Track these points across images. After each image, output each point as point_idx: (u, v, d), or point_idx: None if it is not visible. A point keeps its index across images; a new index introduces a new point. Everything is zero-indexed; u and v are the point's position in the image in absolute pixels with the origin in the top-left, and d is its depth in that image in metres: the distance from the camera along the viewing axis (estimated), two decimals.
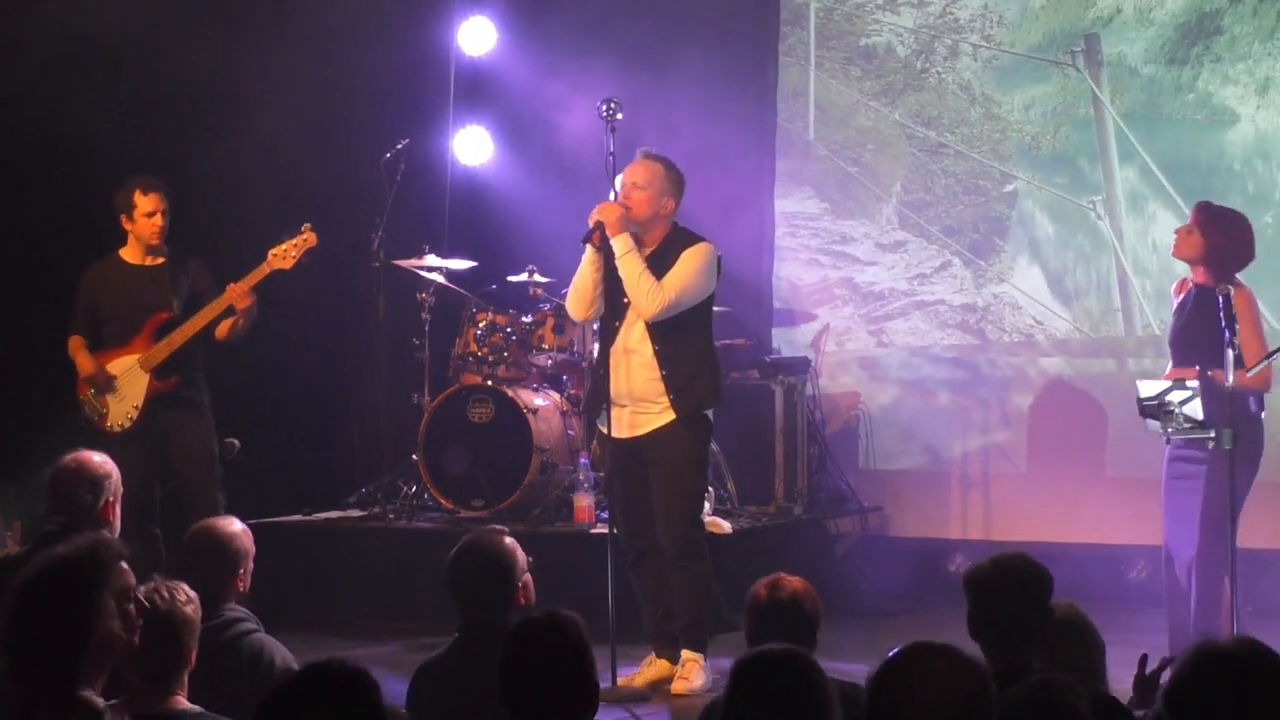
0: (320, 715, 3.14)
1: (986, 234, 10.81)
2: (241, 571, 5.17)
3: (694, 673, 7.27)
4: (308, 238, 8.26)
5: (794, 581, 4.76)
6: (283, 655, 4.97)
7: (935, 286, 10.89)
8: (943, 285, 10.87)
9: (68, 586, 3.77)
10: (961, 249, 10.82)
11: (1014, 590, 4.44)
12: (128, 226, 8.26)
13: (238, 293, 8.07)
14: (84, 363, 8.25)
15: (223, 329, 8.20)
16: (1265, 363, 7.03)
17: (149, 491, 8.17)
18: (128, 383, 8.22)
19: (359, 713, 3.15)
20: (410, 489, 9.41)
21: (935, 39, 11.05)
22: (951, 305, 10.88)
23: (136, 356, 8.21)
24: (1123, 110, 10.50)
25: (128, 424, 8.22)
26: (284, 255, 8.21)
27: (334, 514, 9.49)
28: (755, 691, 3.35)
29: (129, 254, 8.32)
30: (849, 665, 5.24)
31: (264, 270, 8.18)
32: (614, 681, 7.13)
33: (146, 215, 8.21)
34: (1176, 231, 7.49)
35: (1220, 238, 7.28)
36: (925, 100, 11.13)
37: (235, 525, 5.29)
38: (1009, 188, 10.82)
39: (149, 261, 8.30)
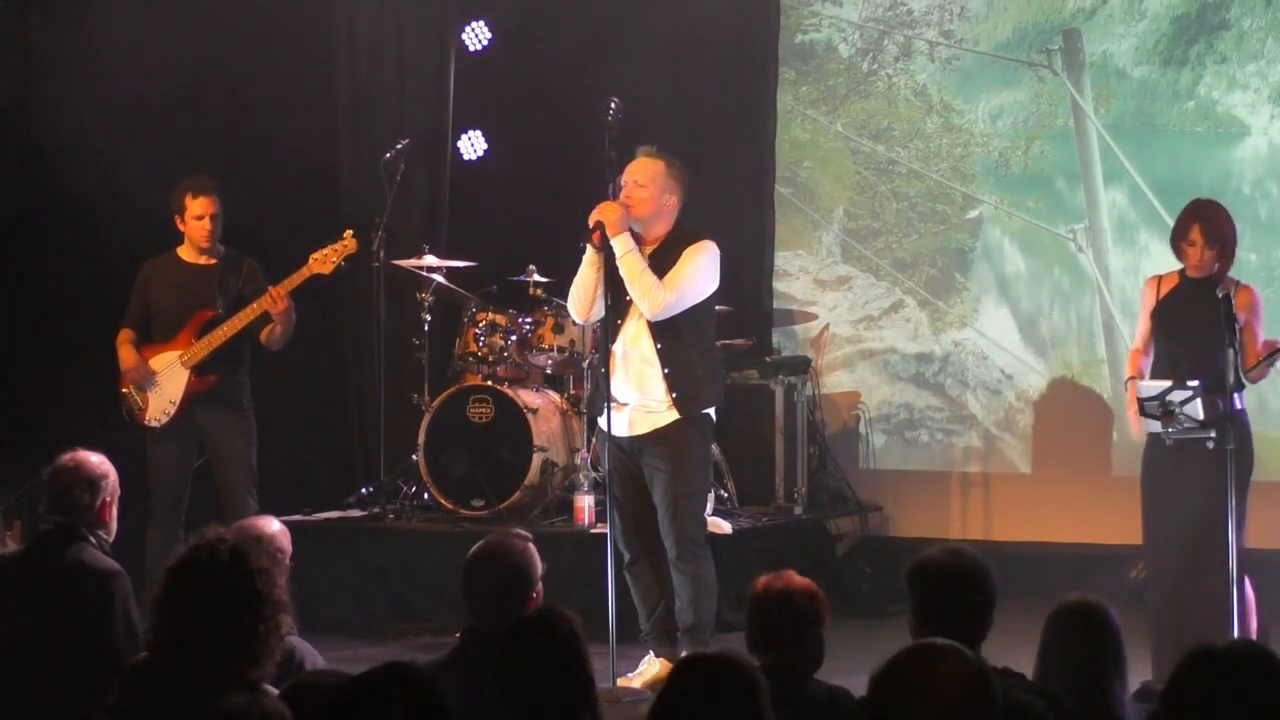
0: (400, 713, 3.19)
1: (946, 269, 9.83)
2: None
3: None
4: (348, 244, 8.35)
5: (795, 578, 4.77)
6: (313, 659, 4.97)
7: (885, 332, 9.92)
8: (893, 330, 9.92)
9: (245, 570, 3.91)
10: (916, 287, 9.84)
11: (956, 579, 4.44)
12: (180, 227, 8.33)
13: (273, 297, 8.13)
14: (126, 357, 8.30)
15: (265, 334, 8.26)
16: (1264, 364, 7.03)
17: (180, 488, 8.26)
18: (168, 379, 8.27)
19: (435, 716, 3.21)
20: (410, 489, 9.42)
21: (885, 35, 9.86)
22: (904, 354, 9.93)
23: (178, 353, 8.26)
24: (1109, 121, 9.47)
25: (164, 420, 8.27)
26: (324, 260, 8.30)
27: (334, 514, 9.50)
28: (689, 692, 3.39)
29: (185, 252, 8.38)
30: (848, 665, 5.24)
31: (304, 274, 8.25)
32: (614, 682, 7.13)
33: (195, 219, 8.26)
34: (1186, 252, 7.08)
35: (1228, 233, 7.14)
36: (873, 108, 9.92)
37: (274, 525, 5.32)
38: (973, 213, 9.77)
39: (203, 260, 8.35)
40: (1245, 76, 9.27)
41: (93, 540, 5.61)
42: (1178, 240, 7.15)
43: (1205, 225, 7.10)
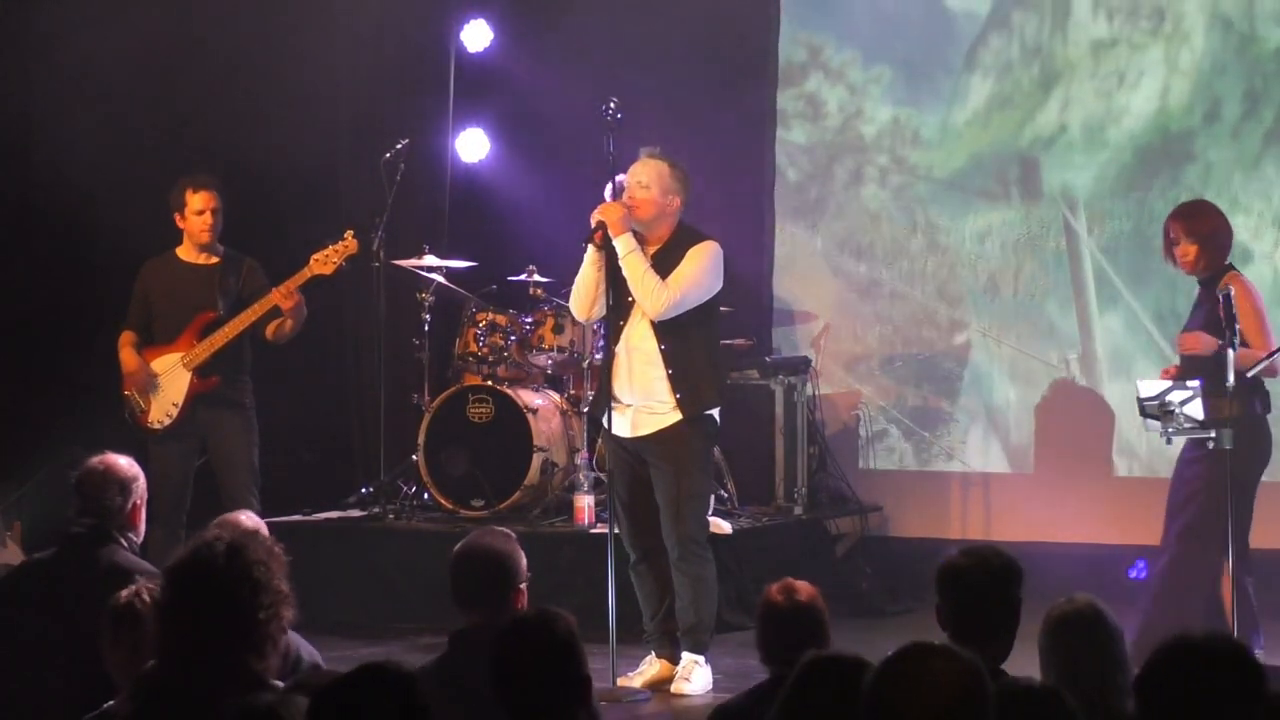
0: (377, 714, 3.18)
1: (931, 397, 9.53)
2: None
3: (695, 675, 7.27)
4: (349, 244, 8.38)
5: (806, 585, 4.78)
6: (309, 652, 4.98)
7: (868, 461, 9.64)
8: (877, 460, 9.68)
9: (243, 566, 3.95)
10: (900, 416, 9.58)
11: (986, 582, 4.45)
12: (180, 224, 8.33)
13: (282, 294, 8.15)
14: (128, 359, 8.32)
15: (270, 328, 8.29)
16: (1265, 361, 7.05)
17: (182, 489, 8.28)
18: (169, 381, 8.29)
19: (412, 715, 3.21)
20: (410, 489, 9.43)
21: (834, 160, 9.45)
22: None
23: (180, 354, 8.28)
24: (1104, 243, 8.96)
25: (167, 421, 8.29)
26: (325, 260, 8.33)
27: (334, 514, 9.50)
28: (819, 692, 3.38)
29: (184, 252, 8.39)
30: None
31: (305, 274, 8.27)
32: (614, 682, 7.14)
33: (196, 213, 8.27)
34: (1175, 255, 7.19)
35: (1207, 228, 7.24)
36: (853, 225, 9.50)
37: (253, 519, 5.33)
38: (959, 339, 9.39)
39: (202, 260, 8.37)
40: (1249, 199, 8.77)
41: (123, 542, 5.62)
42: (1167, 250, 7.26)
43: (1182, 223, 7.23)
